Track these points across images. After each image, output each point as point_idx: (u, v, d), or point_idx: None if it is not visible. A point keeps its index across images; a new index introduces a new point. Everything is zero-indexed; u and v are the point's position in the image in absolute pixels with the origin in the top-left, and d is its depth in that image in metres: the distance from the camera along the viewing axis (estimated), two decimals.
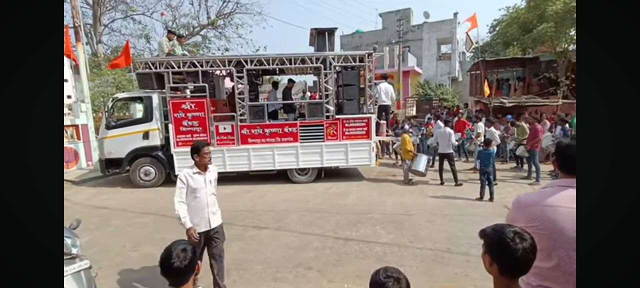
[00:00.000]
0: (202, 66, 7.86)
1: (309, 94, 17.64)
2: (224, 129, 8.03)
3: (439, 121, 9.31)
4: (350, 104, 8.11)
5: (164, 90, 7.99)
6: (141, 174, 8.27)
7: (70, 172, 9.72)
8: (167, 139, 8.15)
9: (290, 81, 9.95)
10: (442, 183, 7.83)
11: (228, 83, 10.28)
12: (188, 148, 8.67)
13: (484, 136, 8.33)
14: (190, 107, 7.92)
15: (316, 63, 7.97)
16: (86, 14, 17.88)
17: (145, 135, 8.18)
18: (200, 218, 3.26)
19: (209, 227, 3.32)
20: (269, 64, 8.05)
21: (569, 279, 1.39)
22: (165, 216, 6.10)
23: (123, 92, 11.33)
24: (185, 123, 7.93)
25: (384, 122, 9.29)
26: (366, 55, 8.02)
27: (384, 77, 10.08)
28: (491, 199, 6.48)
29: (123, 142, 8.18)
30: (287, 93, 9.57)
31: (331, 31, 8.53)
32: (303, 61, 8.01)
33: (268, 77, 14.56)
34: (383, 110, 9.32)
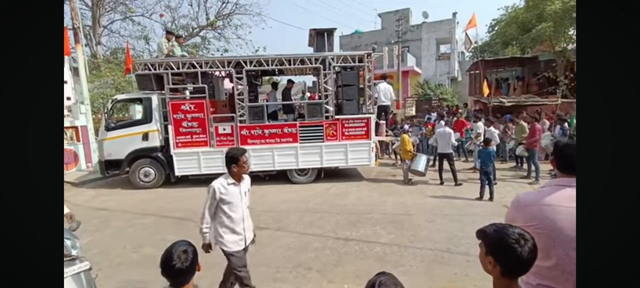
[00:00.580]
0: (201, 67, 7.86)
1: (308, 94, 17.65)
2: (224, 129, 8.03)
3: (441, 120, 9.32)
4: (350, 104, 8.11)
5: (163, 92, 7.99)
6: (141, 175, 8.27)
7: (69, 174, 9.71)
8: (166, 140, 8.14)
9: (290, 82, 9.96)
10: (441, 183, 7.84)
11: (227, 84, 10.28)
12: (188, 149, 8.75)
13: (484, 136, 8.33)
14: (190, 108, 7.92)
15: (315, 63, 7.97)
16: (85, 16, 17.87)
17: (145, 137, 8.18)
18: (236, 236, 2.87)
19: (245, 245, 3.00)
20: (268, 65, 8.05)
21: (568, 278, 1.40)
22: (166, 217, 6.11)
23: (122, 93, 11.32)
24: (184, 124, 7.93)
25: (384, 122, 9.29)
26: (365, 55, 8.03)
27: (384, 77, 10.10)
28: (491, 199, 6.48)
29: (123, 143, 8.18)
30: (286, 93, 9.57)
31: (330, 32, 8.54)
32: (302, 62, 8.01)
33: (267, 77, 14.57)
34: (382, 111, 9.33)
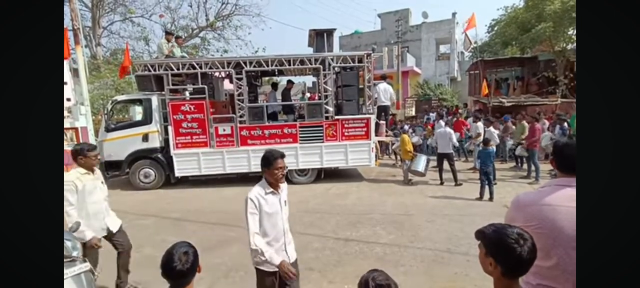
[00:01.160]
0: (201, 68, 7.87)
1: (308, 94, 17.66)
2: (224, 130, 8.03)
3: (441, 120, 9.33)
4: (350, 105, 8.12)
5: (163, 92, 7.99)
6: (141, 176, 8.27)
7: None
8: (166, 141, 8.14)
9: (289, 82, 9.96)
10: (441, 184, 7.84)
11: (227, 84, 10.29)
12: (188, 150, 8.74)
13: (483, 136, 8.34)
14: (190, 108, 7.92)
15: (315, 64, 7.98)
16: (85, 17, 17.86)
17: (145, 138, 8.18)
18: (278, 253, 2.44)
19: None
20: (268, 65, 8.06)
21: (569, 278, 1.40)
22: (166, 218, 6.10)
23: (122, 94, 11.32)
24: (184, 125, 7.93)
25: (384, 122, 9.30)
26: (365, 55, 8.03)
27: (383, 77, 10.11)
28: (491, 199, 6.48)
29: (122, 144, 8.18)
30: (286, 94, 9.58)
31: (330, 32, 8.55)
32: (302, 62, 8.02)
33: (267, 78, 14.57)
34: (382, 111, 9.33)
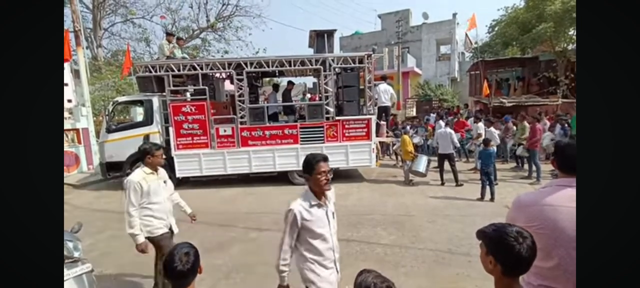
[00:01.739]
0: (202, 69, 7.88)
1: (309, 95, 17.66)
2: (224, 131, 8.04)
3: (441, 121, 9.33)
4: (350, 105, 8.12)
5: (164, 94, 8.01)
6: None
7: (71, 176, 9.73)
8: (167, 142, 8.15)
9: (290, 83, 9.97)
10: (442, 184, 7.83)
11: (228, 85, 10.30)
12: (188, 151, 8.76)
13: (484, 136, 8.33)
14: (191, 109, 7.93)
15: (316, 65, 7.99)
16: (86, 18, 17.92)
17: (146, 139, 8.19)
18: (327, 271, 2.16)
19: (338, 281, 2.25)
20: (268, 66, 8.07)
21: (570, 278, 1.40)
22: None
23: (123, 95, 11.35)
24: (185, 126, 7.94)
25: (384, 123, 9.30)
26: (365, 56, 8.04)
27: (384, 78, 10.10)
28: (492, 199, 6.48)
29: (124, 145, 8.19)
30: (286, 95, 9.59)
31: (330, 33, 8.55)
32: (302, 63, 8.02)
33: (268, 79, 14.59)
34: (383, 111, 9.33)
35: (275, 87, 10.30)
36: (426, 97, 19.86)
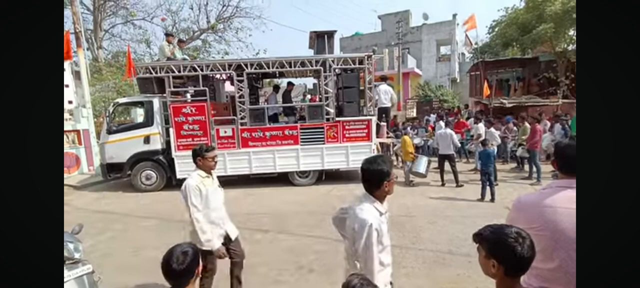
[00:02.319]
0: (202, 70, 7.89)
1: (309, 96, 17.69)
2: (225, 132, 8.04)
3: (441, 122, 9.33)
4: (351, 106, 8.12)
5: (164, 95, 8.02)
6: (142, 178, 8.28)
7: (71, 177, 9.74)
8: (168, 143, 8.16)
9: (290, 84, 9.98)
10: (443, 185, 7.83)
11: (228, 87, 10.31)
12: (189, 152, 8.80)
13: (484, 137, 8.34)
14: (191, 111, 7.94)
15: (316, 66, 7.99)
16: (87, 20, 17.96)
17: (147, 140, 8.20)
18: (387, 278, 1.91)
19: None
20: (268, 67, 8.07)
21: (571, 280, 1.39)
22: (167, 220, 6.11)
23: (124, 96, 11.37)
24: (186, 127, 7.95)
25: (384, 124, 9.30)
26: (366, 57, 8.04)
27: (383, 78, 10.10)
28: (492, 200, 6.47)
29: (124, 146, 8.20)
30: (286, 96, 9.59)
31: (330, 34, 8.56)
32: (303, 64, 8.03)
33: (268, 80, 14.59)
34: (383, 112, 9.33)
35: (276, 88, 10.31)
36: (426, 98, 19.86)
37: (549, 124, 10.03)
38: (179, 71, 7.88)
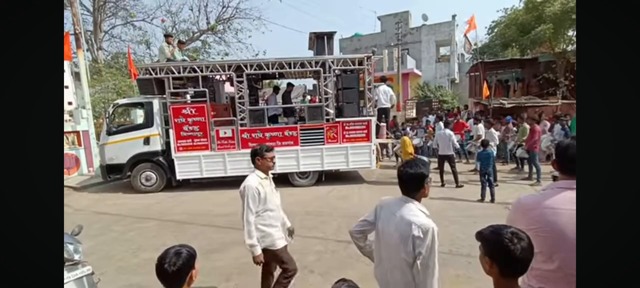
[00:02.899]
0: (202, 71, 7.90)
1: (308, 97, 17.70)
2: (225, 133, 8.05)
3: (440, 122, 9.34)
4: (350, 107, 8.13)
5: (164, 96, 8.02)
6: (142, 180, 8.28)
7: (71, 179, 9.73)
8: (167, 144, 8.16)
9: (289, 85, 9.99)
10: (443, 185, 7.83)
11: (228, 88, 10.32)
12: (189, 153, 8.78)
13: (484, 137, 8.35)
14: (191, 112, 7.94)
15: (315, 67, 8.00)
16: (86, 21, 17.97)
17: (146, 141, 8.20)
18: None
19: None
20: (268, 68, 8.09)
21: (571, 281, 1.39)
22: (167, 221, 6.11)
23: (124, 98, 11.37)
24: (186, 128, 7.95)
25: (384, 124, 9.31)
26: (365, 58, 8.05)
27: (383, 79, 10.12)
28: (492, 200, 6.47)
29: (124, 147, 8.20)
30: (286, 97, 9.60)
31: (330, 35, 8.57)
32: (302, 65, 8.04)
33: (268, 81, 14.61)
34: (383, 113, 9.34)
35: (275, 89, 10.32)
36: (426, 99, 19.87)
37: (548, 124, 10.04)
38: (179, 72, 7.88)
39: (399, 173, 1.87)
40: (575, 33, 13.42)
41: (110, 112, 8.51)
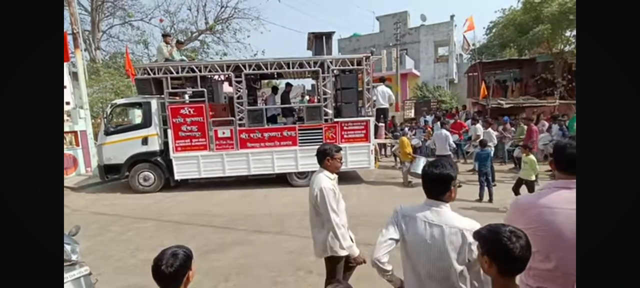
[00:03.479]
0: (200, 71, 7.88)
1: (307, 97, 17.70)
2: (223, 133, 8.03)
3: (438, 123, 9.36)
4: (349, 107, 8.13)
5: (162, 96, 8.00)
6: (140, 180, 8.25)
7: (69, 179, 9.69)
8: (166, 144, 8.14)
9: (288, 85, 9.98)
10: None
11: (227, 88, 10.30)
12: (187, 153, 8.78)
13: (482, 137, 8.36)
14: (189, 112, 7.93)
15: (314, 67, 8.00)
16: (84, 21, 17.91)
17: (144, 141, 8.17)
18: None
19: None
20: (267, 68, 8.08)
21: (568, 280, 1.40)
22: (165, 221, 6.09)
23: (122, 97, 11.33)
24: (184, 128, 7.93)
25: (383, 124, 9.32)
26: (364, 58, 8.06)
27: (382, 79, 10.12)
28: (490, 200, 6.49)
29: (122, 147, 8.17)
30: (285, 97, 9.59)
31: (329, 35, 8.57)
32: (301, 65, 8.04)
33: (266, 81, 14.60)
34: (381, 113, 9.35)
35: (274, 89, 10.31)
36: (424, 99, 19.90)
37: (546, 124, 10.08)
38: (177, 72, 7.86)
39: (424, 174, 1.73)
40: (572, 33, 13.50)
41: (108, 112, 8.48)
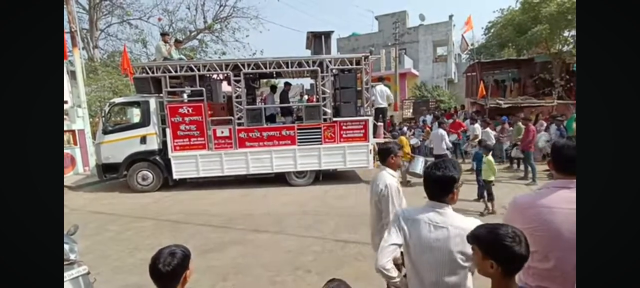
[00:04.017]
0: (199, 70, 7.87)
1: (306, 97, 17.68)
2: (222, 132, 8.02)
3: (436, 122, 9.38)
4: (348, 107, 8.13)
5: (161, 95, 7.98)
6: (139, 179, 8.23)
7: (67, 178, 9.66)
8: (164, 143, 8.12)
9: (287, 84, 9.97)
10: None
11: (225, 87, 10.29)
12: (186, 153, 8.76)
13: (480, 137, 8.38)
14: (188, 111, 7.91)
15: (313, 66, 7.99)
16: (82, 19, 17.83)
17: (143, 140, 8.15)
18: None
19: None
20: (266, 68, 8.06)
21: (567, 279, 1.41)
22: (164, 221, 6.08)
23: (120, 96, 11.30)
24: (182, 127, 7.91)
25: (381, 124, 9.32)
26: (363, 58, 8.06)
27: (380, 79, 10.13)
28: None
29: (120, 146, 8.15)
30: (284, 96, 9.58)
31: (327, 34, 8.56)
32: (300, 64, 8.03)
33: (265, 80, 14.57)
34: (380, 113, 9.36)
35: (273, 88, 10.30)
36: (423, 99, 19.93)
37: (544, 124, 10.10)
38: (176, 71, 7.84)
39: (426, 176, 1.69)
40: (571, 33, 13.54)
41: (107, 111, 8.45)
